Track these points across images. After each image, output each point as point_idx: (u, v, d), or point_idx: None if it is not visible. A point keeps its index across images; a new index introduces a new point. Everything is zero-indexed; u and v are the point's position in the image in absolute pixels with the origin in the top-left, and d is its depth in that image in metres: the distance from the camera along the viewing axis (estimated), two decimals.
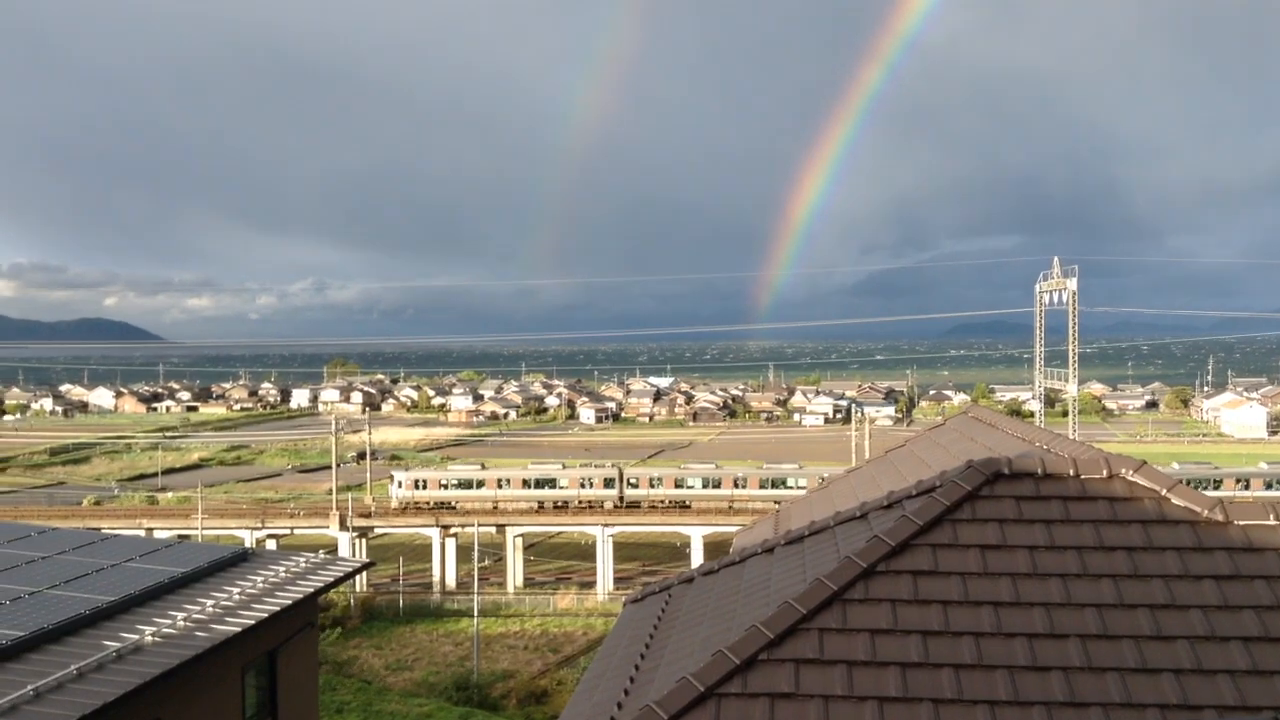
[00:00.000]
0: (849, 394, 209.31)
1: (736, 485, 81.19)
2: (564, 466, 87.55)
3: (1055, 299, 79.50)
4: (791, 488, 78.78)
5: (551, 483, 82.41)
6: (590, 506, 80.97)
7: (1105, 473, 8.22)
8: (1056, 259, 79.03)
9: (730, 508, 79.34)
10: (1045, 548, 7.64)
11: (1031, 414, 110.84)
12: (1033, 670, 6.69)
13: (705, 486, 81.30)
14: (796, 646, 6.95)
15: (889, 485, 10.74)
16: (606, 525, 77.61)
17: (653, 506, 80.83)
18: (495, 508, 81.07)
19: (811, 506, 13.17)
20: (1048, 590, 7.29)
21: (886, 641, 6.95)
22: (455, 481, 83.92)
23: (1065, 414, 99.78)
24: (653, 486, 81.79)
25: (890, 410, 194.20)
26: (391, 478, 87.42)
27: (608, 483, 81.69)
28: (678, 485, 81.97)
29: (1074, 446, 10.08)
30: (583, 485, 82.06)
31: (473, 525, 74.47)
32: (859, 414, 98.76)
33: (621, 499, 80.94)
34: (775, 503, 78.08)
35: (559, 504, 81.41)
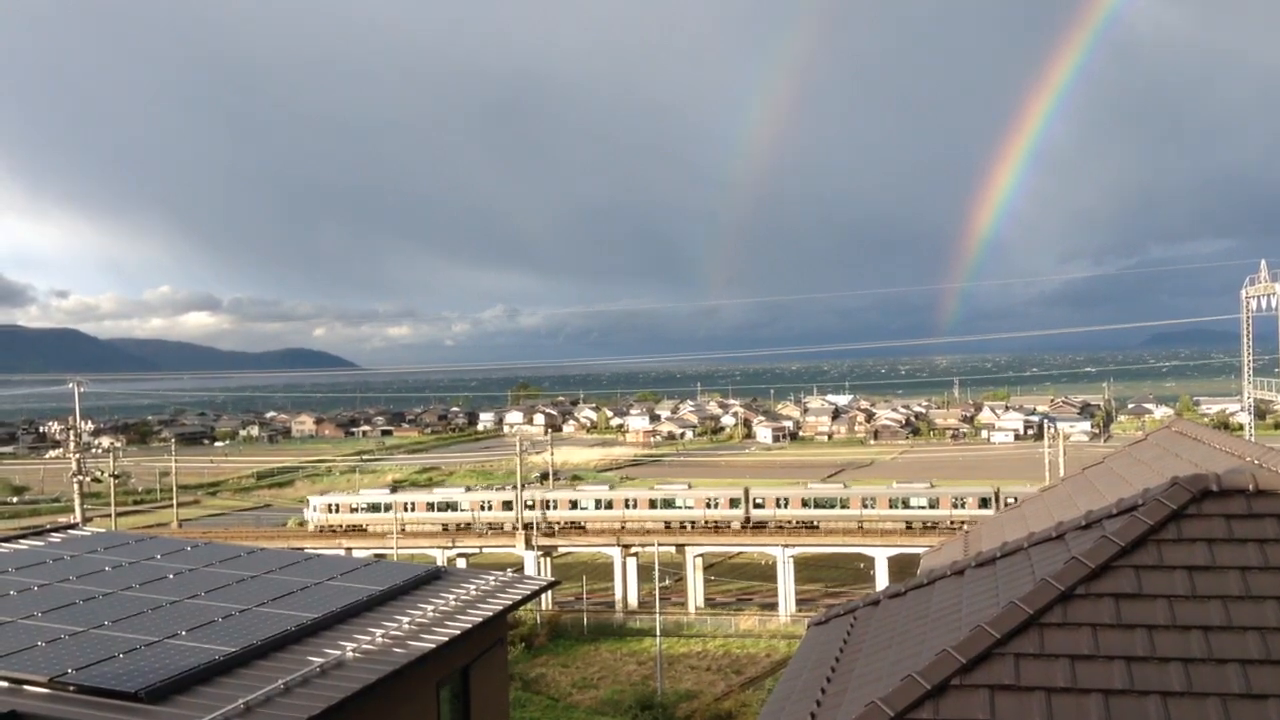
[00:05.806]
0: (1040, 409, 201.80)
1: (627, 506, 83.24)
2: (467, 490, 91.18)
3: (1264, 304, 74.81)
4: (680, 508, 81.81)
5: (454, 506, 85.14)
6: (491, 529, 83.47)
7: None
8: (1264, 262, 74.44)
9: (622, 528, 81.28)
10: (1259, 569, 7.21)
11: (1240, 427, 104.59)
12: (1247, 699, 6.29)
13: (598, 508, 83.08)
14: (991, 672, 6.73)
15: (1087, 504, 10.32)
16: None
17: (549, 528, 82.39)
18: (403, 529, 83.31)
19: (1003, 527, 12.76)
20: (1263, 614, 6.86)
21: (1088, 668, 6.66)
22: (365, 505, 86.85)
23: (1277, 426, 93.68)
24: (548, 508, 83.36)
25: (1086, 425, 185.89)
26: (307, 502, 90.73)
27: (506, 505, 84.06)
28: (573, 506, 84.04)
29: None
30: (482, 508, 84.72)
31: (653, 545, 75.27)
32: (1051, 429, 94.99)
33: (518, 520, 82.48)
34: (665, 524, 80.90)
35: (460, 526, 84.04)
